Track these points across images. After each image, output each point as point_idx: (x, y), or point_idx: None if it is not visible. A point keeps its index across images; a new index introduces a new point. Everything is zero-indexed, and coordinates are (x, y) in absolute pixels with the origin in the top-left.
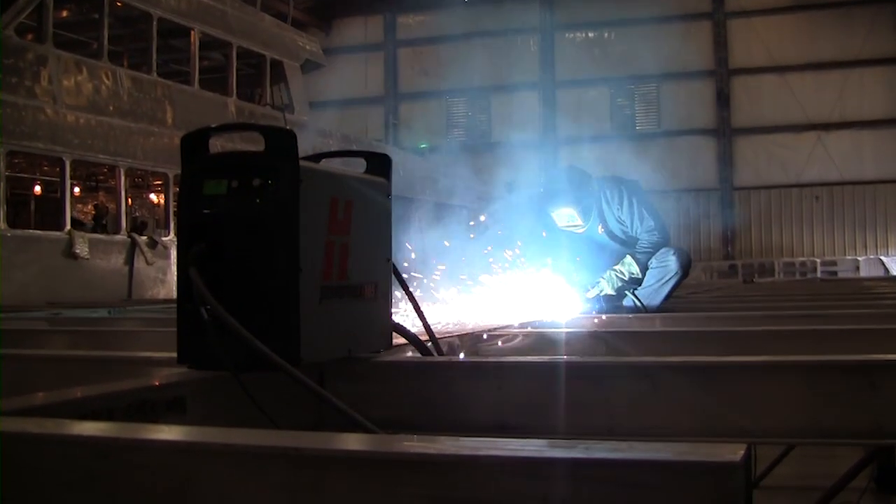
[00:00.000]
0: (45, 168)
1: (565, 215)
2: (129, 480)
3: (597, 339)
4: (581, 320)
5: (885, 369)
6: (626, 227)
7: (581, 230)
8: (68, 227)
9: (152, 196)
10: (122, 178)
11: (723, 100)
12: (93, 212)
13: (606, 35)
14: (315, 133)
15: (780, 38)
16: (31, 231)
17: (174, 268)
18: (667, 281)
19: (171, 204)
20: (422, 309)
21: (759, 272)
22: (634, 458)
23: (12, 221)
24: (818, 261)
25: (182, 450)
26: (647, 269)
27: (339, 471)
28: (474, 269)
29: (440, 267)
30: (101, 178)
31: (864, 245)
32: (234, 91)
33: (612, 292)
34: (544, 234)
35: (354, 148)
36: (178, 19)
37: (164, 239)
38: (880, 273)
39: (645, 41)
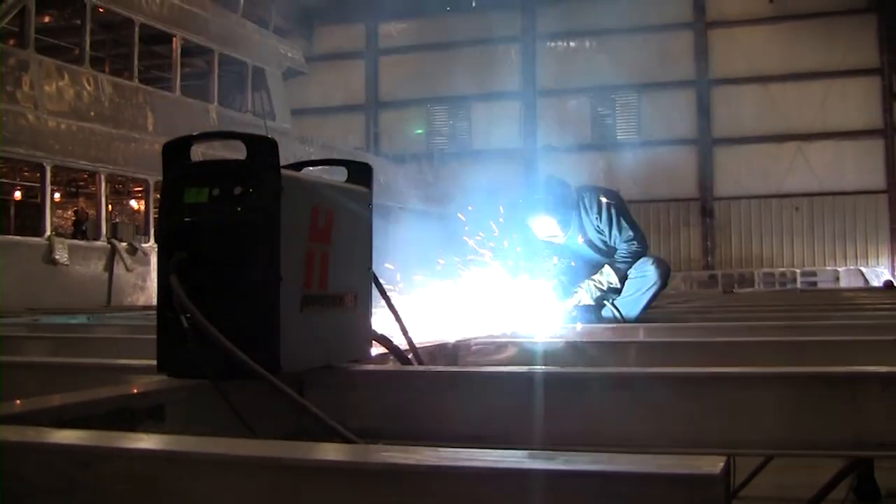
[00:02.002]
0: (26, 173)
1: (545, 226)
2: (108, 489)
3: (576, 349)
4: (560, 330)
5: (865, 381)
6: (605, 237)
7: (560, 241)
8: (48, 232)
9: (133, 202)
10: (103, 185)
11: (703, 110)
12: (73, 218)
13: (588, 44)
14: (296, 141)
15: (762, 49)
16: (10, 237)
17: (154, 274)
18: (646, 291)
19: (152, 210)
20: (401, 318)
21: (738, 282)
22: (614, 470)
23: None
24: (798, 271)
25: (161, 458)
26: (626, 279)
27: (317, 480)
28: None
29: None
30: (82, 183)
31: (844, 256)
32: (216, 98)
33: (591, 302)
34: (518, 249)
35: (335, 156)
36: (160, 25)
37: (144, 245)
38: (860, 284)
39: (626, 51)
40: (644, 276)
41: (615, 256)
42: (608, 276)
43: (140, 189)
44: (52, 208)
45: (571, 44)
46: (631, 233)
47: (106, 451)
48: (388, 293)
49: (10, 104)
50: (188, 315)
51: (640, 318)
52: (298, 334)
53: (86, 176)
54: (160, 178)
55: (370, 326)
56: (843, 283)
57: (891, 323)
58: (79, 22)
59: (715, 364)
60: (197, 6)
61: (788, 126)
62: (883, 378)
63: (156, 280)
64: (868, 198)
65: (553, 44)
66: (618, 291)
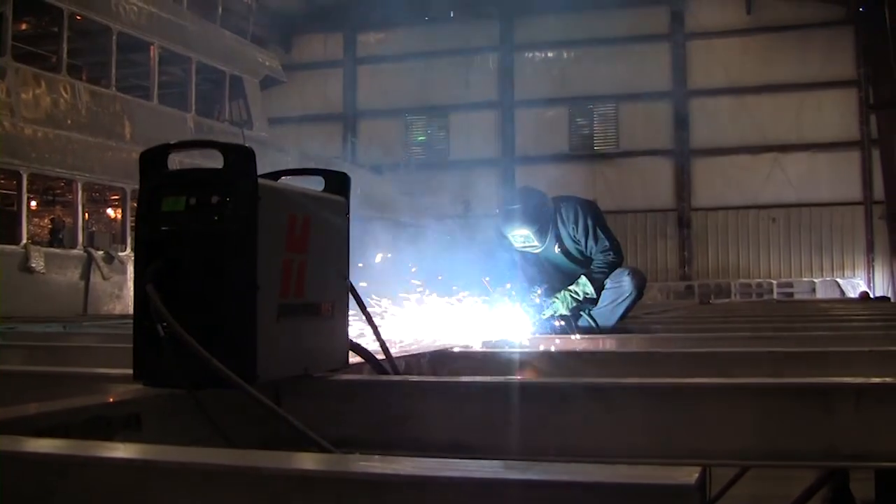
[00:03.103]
0: (2, 181)
1: (521, 236)
2: (84, 498)
3: (552, 359)
4: (536, 340)
5: (840, 392)
6: (582, 247)
7: (537, 251)
8: (24, 240)
9: (109, 211)
10: (80, 193)
11: (681, 121)
12: (49, 226)
13: (566, 55)
14: (273, 150)
15: (739, 60)
16: None
17: (131, 283)
18: (621, 301)
19: (129, 219)
20: (378, 328)
21: (715, 293)
22: (590, 481)
23: None
24: (775, 282)
25: (137, 467)
26: (602, 289)
27: (294, 490)
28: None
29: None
30: (59, 191)
31: (821, 267)
32: (193, 106)
33: (566, 312)
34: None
35: (312, 165)
36: (137, 34)
37: (120, 254)
38: (836, 295)
39: (604, 61)
40: (620, 287)
41: (591, 267)
42: (584, 287)
43: (117, 197)
44: (28, 216)
45: (549, 54)
46: (607, 243)
47: (82, 460)
48: (365, 303)
49: None
50: (164, 324)
51: (616, 329)
52: (275, 343)
53: (62, 184)
54: (137, 186)
55: (347, 336)
56: (820, 295)
57: (866, 334)
58: (56, 29)
59: (691, 375)
60: (175, 15)
61: (765, 137)
62: (857, 389)
63: (132, 289)
64: (844, 209)
65: (531, 54)
66: (594, 302)
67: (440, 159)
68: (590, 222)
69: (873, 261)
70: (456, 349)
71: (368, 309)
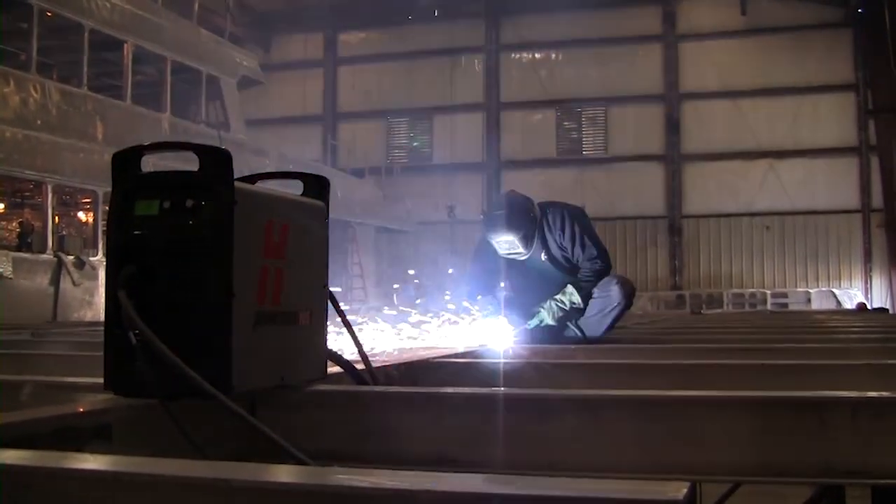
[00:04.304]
0: None
1: (506, 242)
2: None
3: (538, 370)
4: (522, 350)
5: (835, 406)
6: (568, 254)
7: (523, 258)
8: None
9: (81, 214)
10: (50, 195)
11: (672, 125)
12: (18, 229)
13: (553, 56)
14: (251, 152)
15: (733, 63)
16: None
17: (102, 289)
18: (609, 311)
19: (101, 223)
20: (357, 337)
21: (707, 303)
22: (575, 496)
23: None
24: (768, 292)
25: (107, 480)
26: (589, 298)
27: None
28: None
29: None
30: (28, 194)
31: (816, 277)
32: (168, 107)
33: (552, 322)
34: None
35: (291, 168)
36: (110, 31)
37: (92, 259)
38: (832, 306)
39: (593, 63)
40: (608, 296)
41: (578, 275)
42: (571, 296)
43: (88, 200)
44: None
45: (537, 55)
46: (594, 251)
47: (50, 471)
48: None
49: None
50: (137, 332)
51: (604, 339)
52: (251, 352)
53: (31, 186)
54: (109, 189)
55: (325, 345)
56: (815, 305)
57: (862, 347)
58: (25, 26)
59: (681, 387)
60: (150, 12)
61: (760, 142)
62: (853, 403)
63: (104, 295)
64: (841, 217)
65: (518, 55)
66: (581, 311)
67: (424, 163)
68: (577, 229)
69: (871, 271)
70: (438, 359)
71: (348, 317)
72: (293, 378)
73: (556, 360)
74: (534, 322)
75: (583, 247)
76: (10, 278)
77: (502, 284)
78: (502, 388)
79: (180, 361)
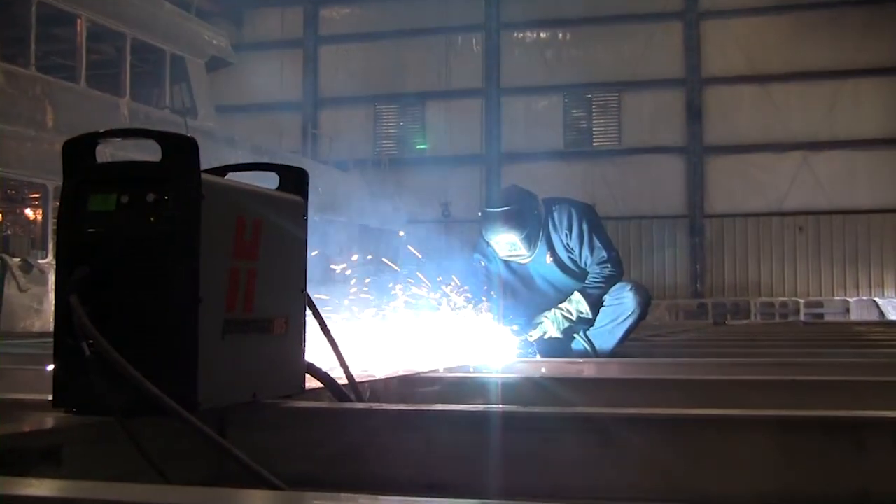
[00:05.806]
0: None
1: (507, 243)
2: None
3: (539, 386)
4: (521, 365)
5: (875, 427)
6: (575, 256)
7: (526, 260)
8: None
9: (28, 211)
10: None
11: (694, 113)
12: None
13: (561, 36)
14: (221, 142)
15: (762, 43)
16: None
17: (52, 295)
18: (622, 321)
19: (51, 221)
20: (340, 348)
21: (732, 313)
22: None
23: None
24: (801, 301)
25: None
26: (599, 307)
27: None
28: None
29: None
30: None
31: (856, 284)
32: (128, 90)
33: (557, 334)
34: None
35: (266, 160)
36: (61, 4)
37: (40, 262)
38: (874, 317)
39: (605, 44)
40: (620, 304)
41: (586, 282)
42: (577, 305)
43: (37, 195)
44: None
45: (542, 35)
46: (605, 254)
47: None
48: (325, 318)
49: None
50: (90, 341)
51: (616, 353)
52: (220, 365)
53: None
54: (60, 182)
55: (303, 356)
56: (855, 316)
57: None
58: None
59: (700, 405)
60: None
61: (792, 133)
62: (895, 424)
63: (54, 301)
64: (884, 217)
65: (521, 34)
66: (589, 322)
67: (415, 155)
68: (585, 228)
69: None
70: (428, 373)
71: (329, 325)
72: (267, 394)
73: (560, 376)
74: (536, 334)
75: (591, 248)
76: None
77: (494, 294)
78: (499, 406)
79: (139, 375)
